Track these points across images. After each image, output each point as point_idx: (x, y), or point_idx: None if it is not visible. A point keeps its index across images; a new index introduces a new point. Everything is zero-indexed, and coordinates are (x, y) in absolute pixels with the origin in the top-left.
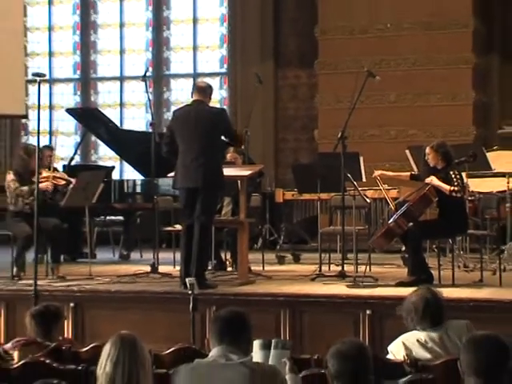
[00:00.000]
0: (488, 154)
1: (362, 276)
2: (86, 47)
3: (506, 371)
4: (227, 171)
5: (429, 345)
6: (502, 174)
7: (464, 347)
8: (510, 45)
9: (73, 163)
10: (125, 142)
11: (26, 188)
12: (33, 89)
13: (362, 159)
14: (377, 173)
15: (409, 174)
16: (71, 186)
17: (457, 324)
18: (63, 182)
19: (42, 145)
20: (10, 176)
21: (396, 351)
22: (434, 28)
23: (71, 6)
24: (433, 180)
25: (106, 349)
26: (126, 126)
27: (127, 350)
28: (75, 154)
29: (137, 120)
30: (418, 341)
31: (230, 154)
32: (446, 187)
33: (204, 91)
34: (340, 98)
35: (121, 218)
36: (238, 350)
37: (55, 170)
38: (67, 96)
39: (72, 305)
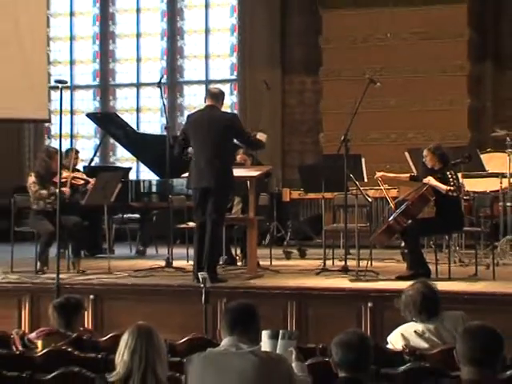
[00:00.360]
0: (482, 156)
1: (363, 270)
2: (105, 56)
3: (500, 360)
4: (237, 172)
5: (426, 335)
6: (495, 175)
7: (459, 337)
8: (502, 54)
9: (92, 164)
10: (141, 145)
11: (44, 192)
12: (55, 95)
13: (363, 161)
14: (378, 174)
15: (408, 175)
16: (91, 185)
17: (452, 315)
18: (82, 182)
19: (66, 147)
20: (32, 178)
21: (395, 341)
22: (432, 37)
23: (91, 17)
24: (430, 180)
25: (124, 338)
26: (143, 130)
27: (144, 339)
28: (95, 155)
29: (152, 124)
30: (415, 332)
31: (240, 156)
32: (442, 187)
33: (216, 97)
34: (343, 104)
35: (137, 215)
36: (248, 339)
37: (75, 170)
38: (87, 101)
39: (92, 297)
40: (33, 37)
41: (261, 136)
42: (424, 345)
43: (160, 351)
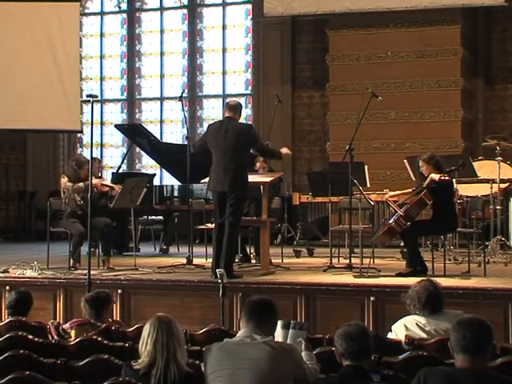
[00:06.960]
0: (474, 163)
1: (366, 267)
2: (132, 72)
3: (490, 349)
4: (252, 178)
5: (426, 328)
6: (486, 181)
7: (453, 328)
8: (492, 71)
9: (120, 171)
10: (164, 153)
11: (81, 184)
12: (87, 108)
13: (366, 168)
14: (386, 196)
15: (411, 189)
16: (116, 191)
17: (453, 314)
18: (107, 189)
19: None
20: (65, 179)
21: (398, 330)
22: (428, 56)
23: (119, 37)
24: (432, 176)
25: (146, 329)
26: (165, 140)
27: (164, 329)
28: (122, 163)
29: (174, 134)
30: (417, 324)
31: (259, 164)
32: (435, 177)
33: (235, 109)
34: (348, 116)
35: (161, 217)
36: (262, 331)
37: (98, 177)
38: (116, 114)
39: (120, 291)
40: (67, 56)
41: (285, 150)
42: (423, 336)
43: (179, 339)
